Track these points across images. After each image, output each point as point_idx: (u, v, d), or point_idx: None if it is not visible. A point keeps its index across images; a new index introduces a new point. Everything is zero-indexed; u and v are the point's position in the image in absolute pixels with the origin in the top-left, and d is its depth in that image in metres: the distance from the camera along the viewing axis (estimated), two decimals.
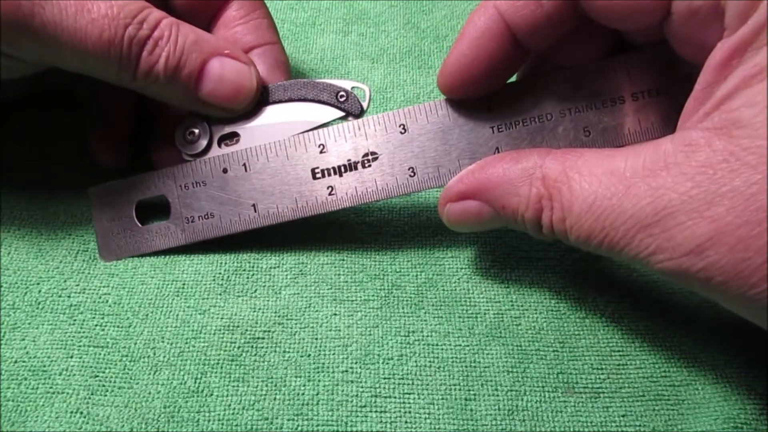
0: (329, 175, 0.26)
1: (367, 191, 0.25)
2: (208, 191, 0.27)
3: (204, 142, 0.27)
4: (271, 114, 0.27)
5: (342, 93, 0.26)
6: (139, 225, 0.27)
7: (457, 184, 0.24)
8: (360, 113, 0.26)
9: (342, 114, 0.26)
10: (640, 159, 0.20)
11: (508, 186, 0.23)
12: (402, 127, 0.25)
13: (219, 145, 0.27)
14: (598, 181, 0.20)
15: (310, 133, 0.26)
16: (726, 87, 0.19)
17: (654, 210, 0.19)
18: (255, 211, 0.26)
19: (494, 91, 0.25)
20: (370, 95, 0.26)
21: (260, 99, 0.27)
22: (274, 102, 0.27)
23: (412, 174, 0.25)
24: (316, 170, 0.26)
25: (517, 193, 0.22)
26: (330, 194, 0.26)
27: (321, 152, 0.26)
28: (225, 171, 0.26)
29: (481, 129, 0.25)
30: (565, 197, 0.21)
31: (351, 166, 0.26)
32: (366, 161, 0.25)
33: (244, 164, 0.26)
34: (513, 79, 0.25)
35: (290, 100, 0.27)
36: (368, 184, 0.25)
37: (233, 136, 0.27)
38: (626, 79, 0.24)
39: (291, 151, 0.26)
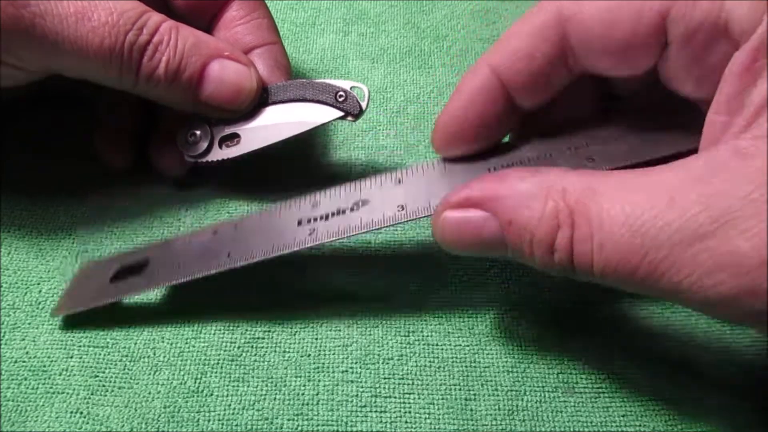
0: (314, 221, 0.24)
1: (350, 227, 0.24)
2: (185, 249, 0.25)
3: (205, 144, 0.27)
4: (271, 114, 0.27)
5: (341, 93, 0.26)
6: (109, 283, 0.26)
7: (463, 190, 0.21)
8: (359, 113, 0.26)
9: (341, 114, 0.26)
10: (680, 171, 0.17)
11: (521, 197, 0.19)
12: (398, 180, 0.24)
13: (220, 146, 0.27)
14: (633, 194, 0.17)
15: (304, 196, 0.25)
16: (760, 92, 0.17)
17: (709, 218, 0.16)
18: (229, 257, 0.24)
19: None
20: (368, 95, 0.26)
21: (260, 100, 0.27)
22: (274, 102, 0.27)
23: (401, 209, 0.24)
24: (301, 220, 0.25)
25: (529, 206, 0.19)
26: (310, 234, 0.24)
27: (313, 207, 0.25)
28: (215, 233, 0.25)
29: (477, 170, 0.24)
30: (592, 211, 0.18)
31: (338, 212, 0.24)
32: (355, 207, 0.24)
33: (235, 225, 0.25)
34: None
35: (290, 100, 0.27)
36: (353, 222, 0.24)
37: (234, 137, 0.27)
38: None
39: (284, 210, 0.25)
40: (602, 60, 0.21)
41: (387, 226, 0.23)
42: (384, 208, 0.24)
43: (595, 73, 0.22)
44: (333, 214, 0.24)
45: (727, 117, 0.18)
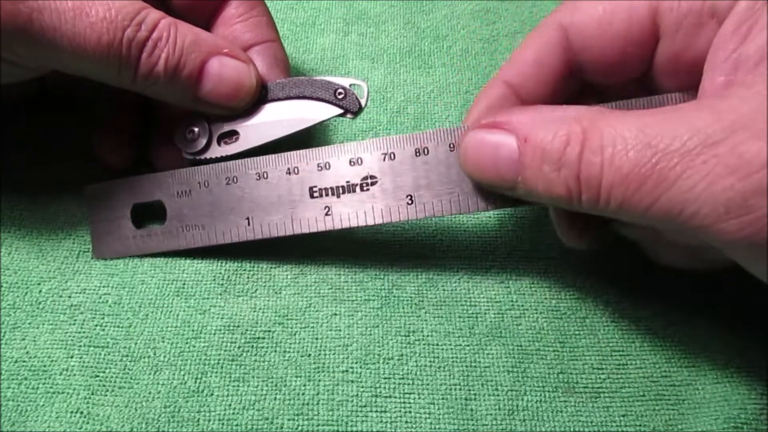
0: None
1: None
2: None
3: (203, 141, 0.27)
4: (270, 112, 0.27)
5: (340, 90, 0.26)
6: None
7: (490, 117, 0.22)
8: (358, 110, 0.26)
9: (340, 111, 0.26)
10: (688, 104, 0.19)
11: (539, 120, 0.21)
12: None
13: (218, 143, 0.27)
14: (644, 116, 0.18)
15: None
16: (757, 43, 0.19)
17: (720, 129, 0.17)
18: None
19: None
20: (368, 92, 0.26)
21: (259, 97, 0.27)
22: (273, 100, 0.27)
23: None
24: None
25: (545, 127, 0.20)
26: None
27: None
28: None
29: None
30: (604, 129, 0.19)
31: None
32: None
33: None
34: None
35: (289, 97, 0.27)
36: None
37: (232, 135, 0.27)
38: None
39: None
40: (601, 61, 0.23)
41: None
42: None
43: (595, 80, 0.24)
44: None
45: (726, 77, 0.19)
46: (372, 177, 0.25)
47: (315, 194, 0.25)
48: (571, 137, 0.19)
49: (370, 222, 0.25)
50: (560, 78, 0.24)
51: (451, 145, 0.24)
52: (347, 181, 0.25)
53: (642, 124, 0.18)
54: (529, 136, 0.21)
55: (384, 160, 0.25)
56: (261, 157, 0.26)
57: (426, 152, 0.24)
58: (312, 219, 0.25)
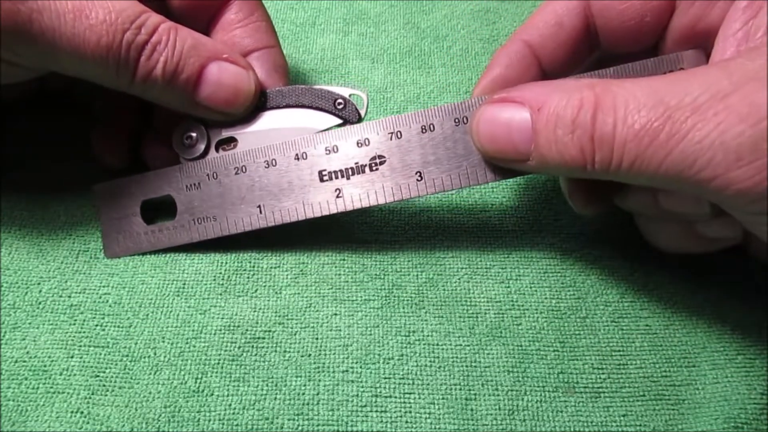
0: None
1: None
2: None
3: (201, 147, 0.27)
4: (269, 120, 0.27)
5: (340, 100, 0.26)
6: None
7: (503, 92, 0.23)
8: (357, 121, 0.26)
9: (340, 121, 0.26)
10: (698, 68, 0.20)
11: (553, 89, 0.21)
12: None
13: (216, 149, 0.27)
14: (654, 80, 0.19)
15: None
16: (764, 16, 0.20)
17: (730, 84, 0.18)
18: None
19: None
20: (367, 102, 0.26)
21: (258, 104, 0.27)
22: (272, 108, 0.27)
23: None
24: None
25: (559, 95, 0.21)
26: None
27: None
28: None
29: None
30: (617, 91, 0.19)
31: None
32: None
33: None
34: None
35: (288, 106, 0.27)
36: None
37: (231, 141, 0.27)
38: None
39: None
40: (619, 28, 0.24)
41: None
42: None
43: (609, 49, 0.25)
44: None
45: (737, 47, 0.20)
46: (380, 156, 0.25)
47: (325, 178, 0.26)
48: (585, 101, 0.20)
49: (381, 201, 0.25)
50: (579, 42, 0.25)
51: (456, 120, 0.25)
52: (356, 163, 0.25)
53: (654, 86, 0.19)
54: (542, 105, 0.21)
55: (391, 139, 0.25)
56: (268, 145, 0.26)
57: (432, 128, 0.25)
58: (324, 202, 0.26)
